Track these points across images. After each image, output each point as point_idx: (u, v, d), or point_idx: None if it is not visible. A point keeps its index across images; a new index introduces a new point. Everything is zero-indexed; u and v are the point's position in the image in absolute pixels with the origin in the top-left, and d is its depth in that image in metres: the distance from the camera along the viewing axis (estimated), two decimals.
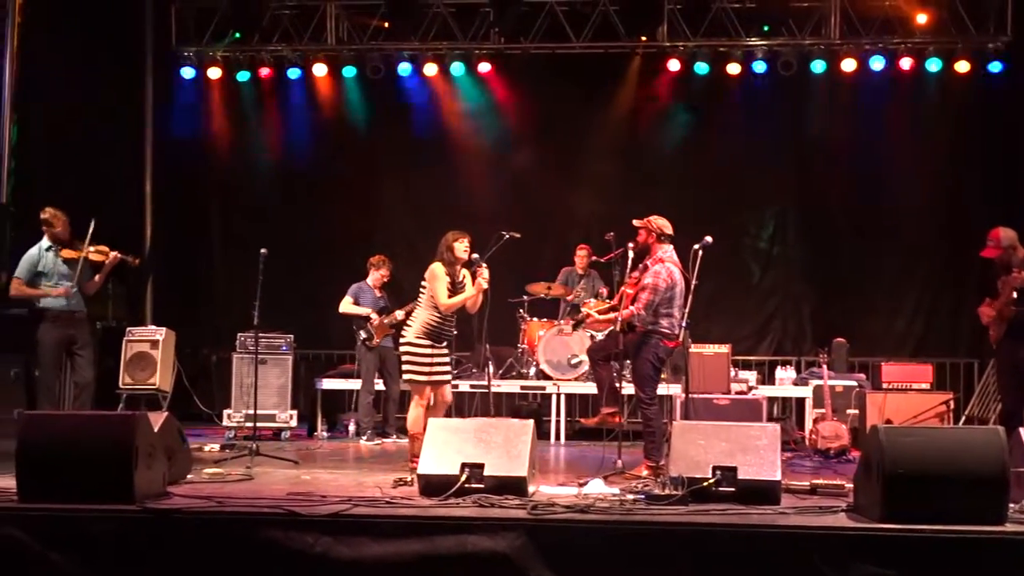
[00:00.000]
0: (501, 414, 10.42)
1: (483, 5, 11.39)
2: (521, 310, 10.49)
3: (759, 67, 11.35)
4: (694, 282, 7.02)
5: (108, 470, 5.21)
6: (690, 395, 8.21)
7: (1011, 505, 5.12)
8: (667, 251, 7.15)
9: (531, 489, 5.74)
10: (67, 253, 8.01)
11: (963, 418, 10.26)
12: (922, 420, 9.00)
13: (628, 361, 7.33)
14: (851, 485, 5.73)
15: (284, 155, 12.25)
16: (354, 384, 10.03)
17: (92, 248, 8.04)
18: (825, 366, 9.25)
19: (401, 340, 7.20)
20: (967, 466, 4.99)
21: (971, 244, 10.84)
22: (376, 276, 9.85)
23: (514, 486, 5.58)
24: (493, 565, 4.86)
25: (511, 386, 10.33)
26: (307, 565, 4.95)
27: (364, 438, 9.52)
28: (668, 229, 7.21)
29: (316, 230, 11.94)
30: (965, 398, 10.67)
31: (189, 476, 6.43)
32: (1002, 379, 7.95)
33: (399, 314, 9.49)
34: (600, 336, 9.56)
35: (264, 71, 11.89)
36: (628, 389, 7.57)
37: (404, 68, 11.71)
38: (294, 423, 9.88)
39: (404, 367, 7.14)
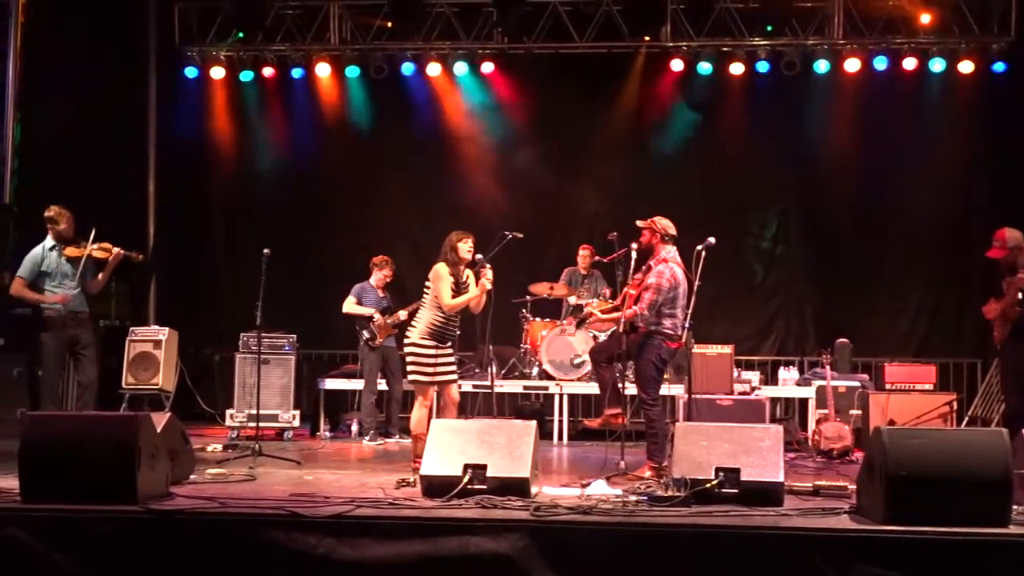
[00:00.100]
0: (504, 414, 10.45)
1: (486, 5, 11.39)
2: (524, 310, 10.49)
3: (762, 67, 11.34)
4: (697, 283, 7.02)
5: (111, 471, 5.21)
6: (693, 396, 8.21)
7: (1015, 507, 5.11)
8: (671, 252, 7.15)
9: (534, 490, 5.73)
10: (70, 251, 8.02)
11: (966, 419, 10.25)
12: (925, 421, 8.98)
13: (631, 362, 7.33)
14: (854, 487, 5.72)
15: (287, 155, 12.25)
16: (357, 384, 10.03)
17: (95, 245, 8.05)
18: (828, 366, 9.24)
19: (405, 341, 7.20)
20: (971, 468, 4.98)
21: (974, 244, 10.86)
22: (379, 276, 9.85)
23: (517, 487, 5.57)
24: (496, 567, 4.85)
25: (514, 386, 10.32)
26: (310, 566, 4.94)
27: (367, 438, 9.52)
28: (672, 230, 7.20)
29: (319, 230, 11.95)
30: (968, 398, 10.66)
31: (192, 476, 6.43)
32: (1006, 380, 7.95)
33: (402, 314, 9.49)
34: (603, 336, 9.56)
35: (267, 71, 11.90)
36: (631, 390, 7.57)
37: (407, 68, 11.72)
38: (297, 423, 9.89)
39: (408, 368, 7.14)
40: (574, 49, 11.52)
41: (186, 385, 10.56)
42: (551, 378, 10.08)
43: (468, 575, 4.88)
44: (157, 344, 10.14)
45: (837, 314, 11.50)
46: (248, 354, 9.72)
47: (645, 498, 5.54)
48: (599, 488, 6.08)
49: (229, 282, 11.94)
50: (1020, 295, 7.33)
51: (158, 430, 5.73)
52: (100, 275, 8.18)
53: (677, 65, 11.44)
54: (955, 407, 9.30)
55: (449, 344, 7.16)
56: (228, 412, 9.79)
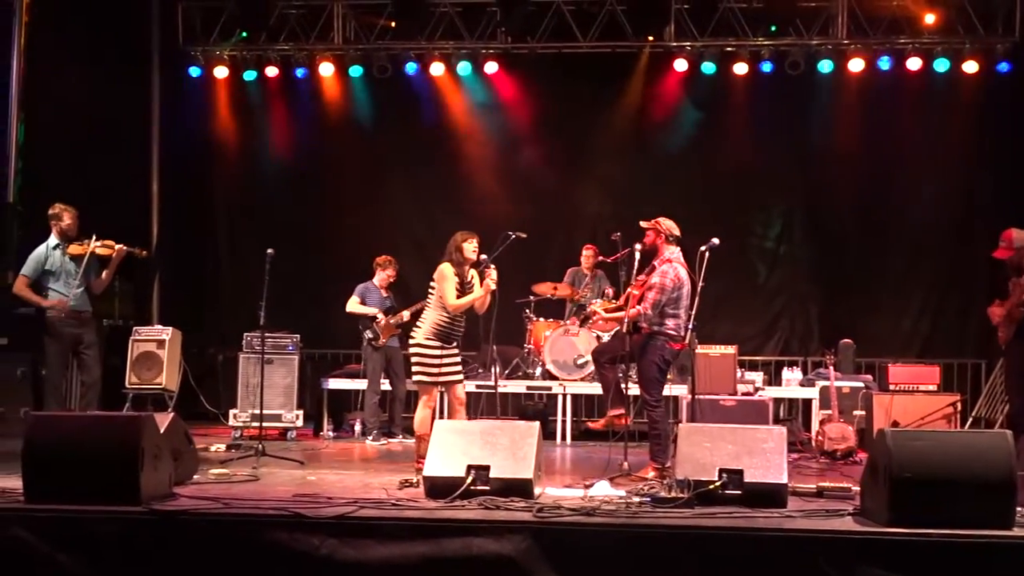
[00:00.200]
0: (507, 414, 10.46)
1: (490, 5, 11.39)
2: (527, 310, 10.49)
3: (766, 67, 11.32)
4: (701, 284, 7.01)
5: (114, 471, 5.21)
6: (696, 396, 8.20)
7: (1019, 509, 5.10)
8: (675, 252, 7.14)
9: (537, 491, 5.73)
10: (74, 249, 8.02)
11: (970, 419, 10.24)
12: (929, 422, 8.96)
13: (634, 363, 7.32)
14: (858, 488, 5.71)
15: (290, 154, 12.25)
16: (360, 384, 10.03)
17: (99, 242, 8.05)
18: (832, 367, 9.22)
19: (410, 341, 7.20)
20: (974, 470, 4.97)
21: (978, 244, 10.87)
22: (383, 276, 9.85)
23: (520, 488, 5.57)
24: (498, 568, 4.85)
25: (517, 386, 10.32)
26: (312, 567, 4.94)
27: (370, 438, 9.53)
28: (676, 231, 7.19)
29: (322, 229, 11.95)
30: (972, 399, 10.65)
31: (195, 476, 6.44)
32: (1011, 381, 7.92)
33: (405, 315, 9.50)
34: (606, 337, 9.55)
35: (271, 70, 11.89)
36: (634, 390, 7.56)
37: (411, 67, 11.72)
38: (300, 423, 9.89)
39: (413, 368, 7.15)
40: (578, 49, 11.52)
41: (190, 385, 10.55)
42: (554, 378, 10.07)
43: None
44: (161, 344, 10.14)
45: (841, 314, 11.49)
46: (252, 354, 9.72)
47: (648, 499, 5.54)
48: (602, 489, 6.07)
49: (232, 282, 11.95)
50: None
51: (161, 430, 5.73)
52: (104, 273, 8.18)
53: (681, 65, 11.44)
54: (959, 408, 9.27)
55: (454, 344, 7.16)
56: (231, 412, 9.80)
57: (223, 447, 8.67)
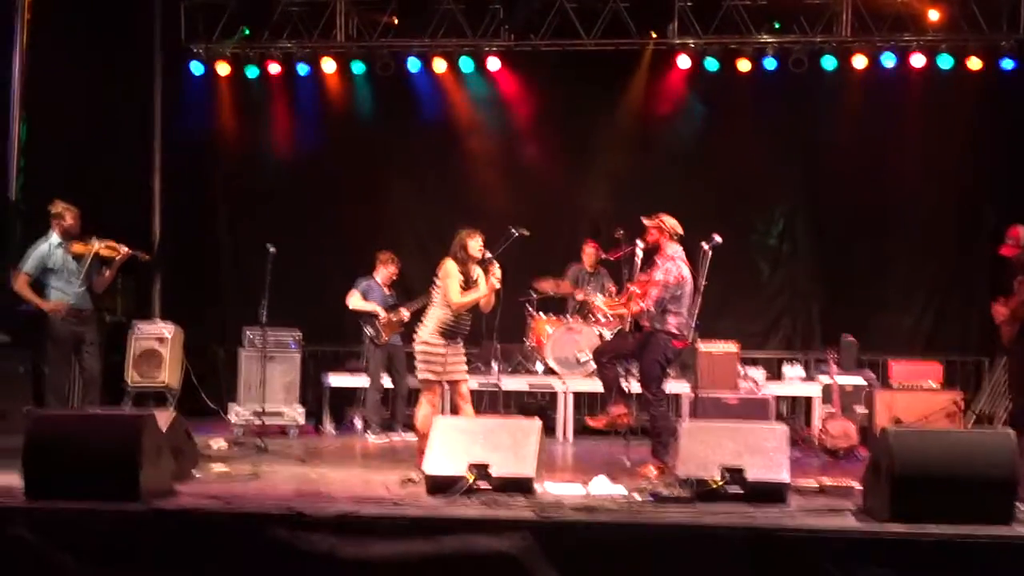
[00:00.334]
0: (508, 410, 10.44)
1: (493, 2, 11.36)
2: (529, 307, 10.48)
3: (770, 64, 11.27)
4: (703, 282, 7.00)
5: (115, 469, 5.22)
6: (698, 393, 8.20)
7: (1019, 505, 5.09)
8: (677, 250, 7.13)
9: (538, 488, 5.72)
10: (77, 248, 8.00)
11: (972, 416, 10.22)
12: (931, 419, 8.95)
13: (636, 360, 7.31)
14: (859, 486, 5.71)
15: (292, 151, 12.22)
16: (362, 380, 10.02)
17: (103, 243, 8.04)
18: (834, 364, 9.21)
19: (416, 338, 7.20)
20: (977, 469, 4.97)
21: (981, 241, 10.87)
22: (385, 273, 9.85)
23: (521, 486, 5.57)
24: (500, 566, 4.84)
25: (518, 383, 10.30)
26: (314, 565, 4.94)
27: (372, 435, 9.52)
28: (679, 229, 7.19)
29: (324, 226, 11.91)
30: (974, 395, 10.63)
31: (197, 474, 6.43)
32: (1014, 379, 7.92)
33: (405, 314, 9.51)
34: (607, 335, 9.54)
35: (273, 67, 11.86)
36: (636, 387, 7.55)
37: (414, 64, 11.68)
38: (302, 420, 9.90)
39: (418, 365, 7.15)
40: (581, 46, 11.49)
41: (191, 381, 10.56)
42: (556, 375, 10.07)
43: (472, 574, 4.87)
44: (162, 341, 10.16)
45: (843, 311, 11.44)
46: (253, 351, 9.73)
47: (650, 497, 5.53)
48: (603, 487, 6.07)
49: (234, 278, 11.92)
50: None
51: (162, 428, 5.74)
52: (106, 273, 8.17)
53: (684, 62, 11.40)
54: (961, 405, 9.26)
55: (460, 342, 7.16)
56: (233, 408, 9.80)
57: (224, 444, 8.66)
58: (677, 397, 9.64)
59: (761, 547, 4.86)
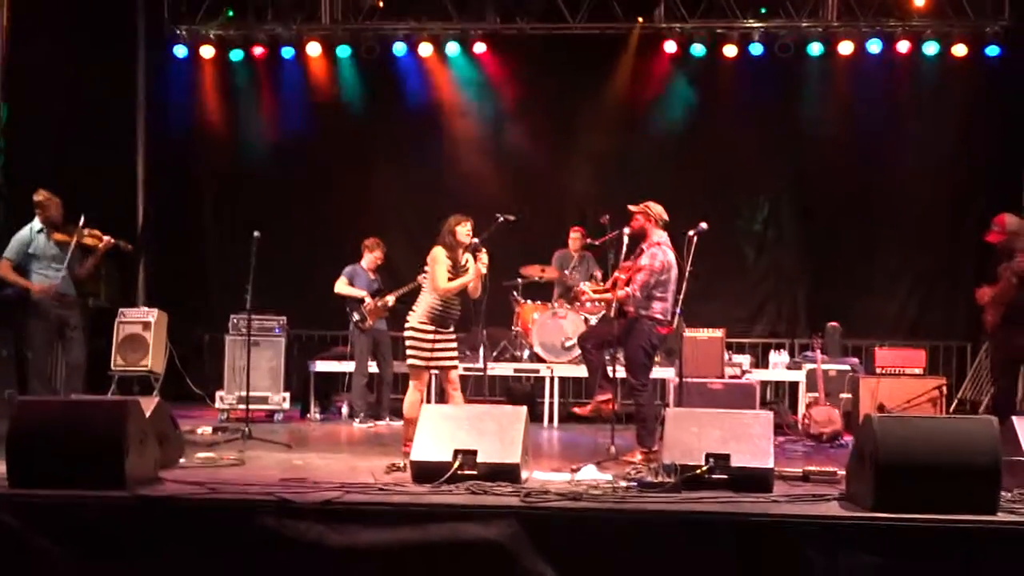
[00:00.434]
0: (494, 395, 10.46)
1: None
2: (515, 293, 10.48)
3: (756, 49, 11.30)
4: (689, 269, 7.00)
5: (99, 456, 5.17)
6: (683, 379, 8.21)
7: (1004, 494, 5.12)
8: (663, 237, 7.14)
9: (524, 475, 5.73)
10: (59, 236, 7.98)
11: (955, 401, 10.29)
12: (915, 405, 9.01)
13: (620, 347, 7.31)
14: (843, 472, 5.73)
15: (277, 135, 12.17)
16: (347, 366, 10.00)
17: (86, 232, 8.01)
18: (819, 350, 9.25)
19: (405, 324, 7.20)
20: (960, 456, 4.98)
21: (966, 227, 10.91)
22: (370, 258, 9.82)
23: (507, 473, 5.56)
24: (486, 553, 4.84)
25: (504, 369, 10.31)
26: (300, 552, 4.92)
27: (357, 420, 9.51)
28: (665, 216, 7.19)
29: (309, 210, 11.89)
30: (958, 381, 10.70)
31: (181, 460, 6.41)
32: (996, 364, 7.96)
33: (390, 299, 9.50)
34: (594, 320, 9.55)
35: (258, 50, 11.80)
36: (621, 372, 7.56)
37: (399, 48, 11.63)
38: (287, 405, 9.89)
39: (406, 351, 7.16)
40: (567, 30, 11.47)
41: (175, 367, 10.53)
42: (542, 361, 10.07)
43: (458, 561, 4.87)
44: (147, 326, 10.13)
45: (828, 297, 11.51)
46: (238, 336, 9.70)
47: (635, 484, 5.54)
48: (589, 473, 6.08)
49: (219, 263, 11.88)
50: (1015, 279, 7.31)
51: (147, 415, 5.70)
52: (88, 261, 8.14)
53: (670, 47, 11.40)
54: (944, 391, 9.32)
55: (450, 329, 7.16)
56: (218, 394, 9.78)
57: (209, 429, 8.62)
58: (662, 383, 9.67)
59: (746, 533, 4.87)
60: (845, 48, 11.21)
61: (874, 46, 11.17)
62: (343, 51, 11.69)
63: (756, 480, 5.52)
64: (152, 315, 10.16)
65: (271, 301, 9.60)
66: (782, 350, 10.65)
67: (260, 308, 9.08)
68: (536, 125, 11.86)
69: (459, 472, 5.55)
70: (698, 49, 11.34)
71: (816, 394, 8.99)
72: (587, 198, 11.48)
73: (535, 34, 11.60)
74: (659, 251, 7.05)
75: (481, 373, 8.61)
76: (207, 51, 11.77)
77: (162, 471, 5.77)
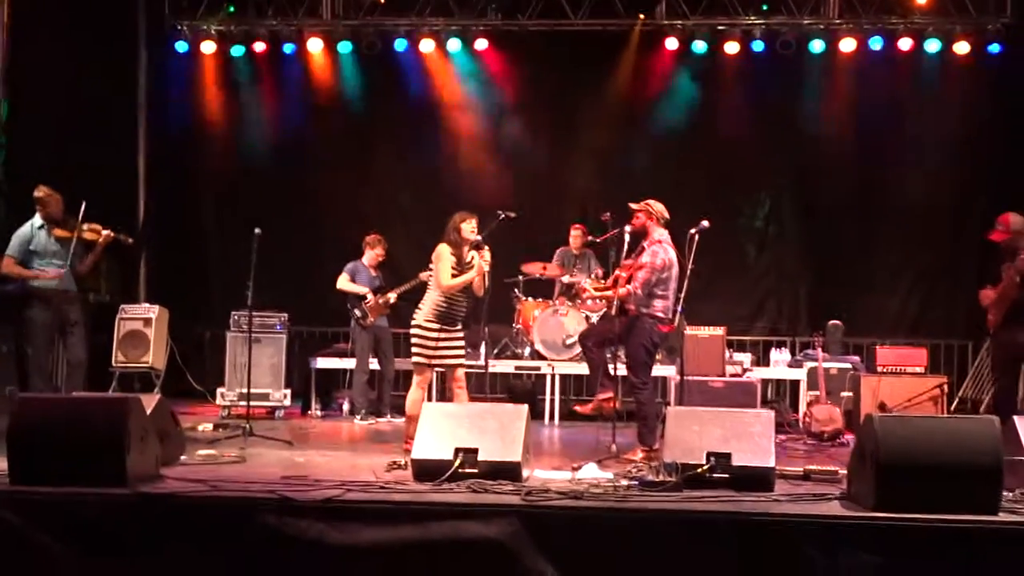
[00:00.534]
0: (495, 393, 10.46)
1: None
2: (516, 290, 10.47)
3: (757, 46, 11.28)
4: (690, 266, 7.00)
5: (100, 453, 5.18)
6: (684, 377, 8.21)
7: (1005, 494, 5.12)
8: (664, 235, 7.13)
9: (525, 474, 5.73)
10: (59, 232, 7.98)
11: (956, 400, 10.28)
12: (916, 404, 9.00)
13: (622, 345, 7.31)
14: (844, 471, 5.73)
15: (279, 131, 12.15)
16: (349, 363, 10.01)
17: (85, 227, 8.01)
18: (820, 348, 9.24)
19: (412, 321, 7.20)
20: (962, 456, 4.98)
21: (968, 225, 10.89)
22: (372, 255, 9.81)
23: (508, 471, 5.56)
24: (487, 551, 4.84)
25: (505, 366, 10.31)
26: (301, 550, 4.93)
27: (358, 417, 9.51)
28: (666, 214, 7.19)
29: (310, 207, 11.87)
30: (959, 380, 10.69)
31: (183, 457, 6.41)
32: (998, 363, 7.95)
33: (391, 296, 9.49)
34: (595, 318, 9.54)
35: (259, 46, 11.77)
36: (622, 370, 7.55)
37: (400, 44, 11.61)
38: (288, 402, 9.89)
39: (412, 348, 7.16)
40: (568, 27, 11.45)
41: (176, 363, 10.52)
42: (543, 358, 10.07)
43: (459, 560, 4.87)
44: (147, 322, 10.12)
45: (829, 295, 11.48)
46: (239, 332, 9.69)
47: (636, 483, 5.54)
48: (590, 472, 6.08)
49: (220, 259, 11.86)
50: (1018, 278, 7.30)
51: (148, 412, 5.70)
52: (89, 256, 8.13)
53: (672, 44, 11.38)
54: (945, 390, 9.31)
55: (457, 327, 7.16)
56: (219, 391, 9.78)
57: (210, 426, 8.62)
58: (663, 381, 9.67)
59: (747, 532, 4.87)
60: (847, 45, 11.19)
61: (876, 43, 11.15)
62: (344, 47, 11.66)
63: (757, 479, 5.52)
64: (153, 311, 10.16)
65: (272, 298, 9.62)
66: (783, 348, 10.64)
67: (261, 305, 9.09)
68: (537, 122, 11.84)
69: (460, 470, 5.55)
70: (699, 46, 11.32)
71: (817, 392, 8.98)
72: (588, 195, 11.47)
73: (536, 31, 11.58)
74: (660, 249, 7.04)
75: (482, 371, 8.59)
76: (208, 47, 11.75)
77: (163, 468, 5.78)
